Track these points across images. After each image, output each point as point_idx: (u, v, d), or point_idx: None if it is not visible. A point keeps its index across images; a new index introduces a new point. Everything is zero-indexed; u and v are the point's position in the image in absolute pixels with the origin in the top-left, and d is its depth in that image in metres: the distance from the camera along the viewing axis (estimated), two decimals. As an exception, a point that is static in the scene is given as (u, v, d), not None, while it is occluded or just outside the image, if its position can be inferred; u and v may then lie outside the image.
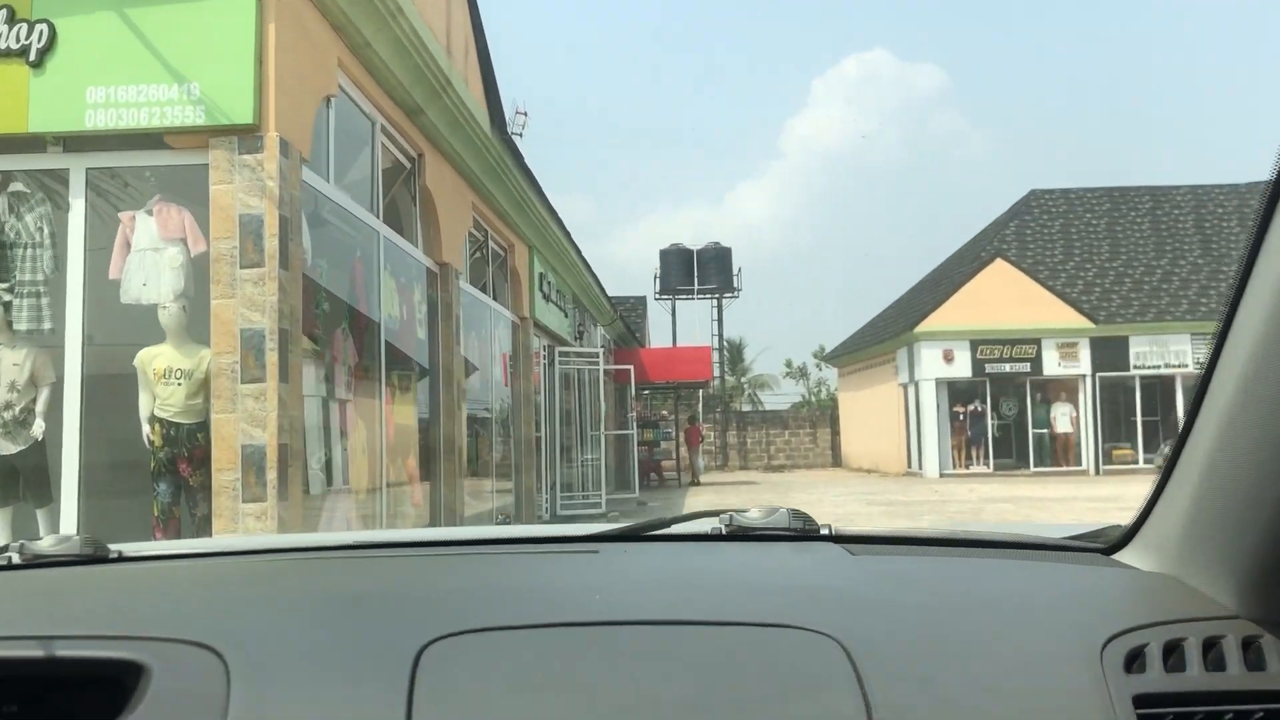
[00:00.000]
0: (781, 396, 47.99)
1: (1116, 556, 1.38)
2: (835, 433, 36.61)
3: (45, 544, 1.43)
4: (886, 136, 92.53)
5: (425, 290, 9.26)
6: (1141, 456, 26.63)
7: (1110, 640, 1.12)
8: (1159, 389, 27.27)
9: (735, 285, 37.82)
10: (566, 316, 16.84)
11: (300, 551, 1.61)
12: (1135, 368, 26.62)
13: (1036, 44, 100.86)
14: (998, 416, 27.76)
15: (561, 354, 16.71)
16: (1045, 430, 26.94)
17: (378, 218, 7.94)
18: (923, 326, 26.71)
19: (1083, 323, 26.43)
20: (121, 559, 1.47)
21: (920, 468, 26.94)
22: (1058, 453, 26.88)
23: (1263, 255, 1.04)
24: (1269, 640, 1.13)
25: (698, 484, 25.84)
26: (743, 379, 48.22)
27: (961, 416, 26.98)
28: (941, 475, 26.17)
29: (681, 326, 41.55)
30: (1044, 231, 29.48)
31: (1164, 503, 1.28)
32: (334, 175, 6.96)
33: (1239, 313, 1.09)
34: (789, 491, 21.22)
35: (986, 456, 27.00)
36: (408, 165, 8.97)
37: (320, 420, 6.75)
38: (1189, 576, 1.24)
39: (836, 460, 36.10)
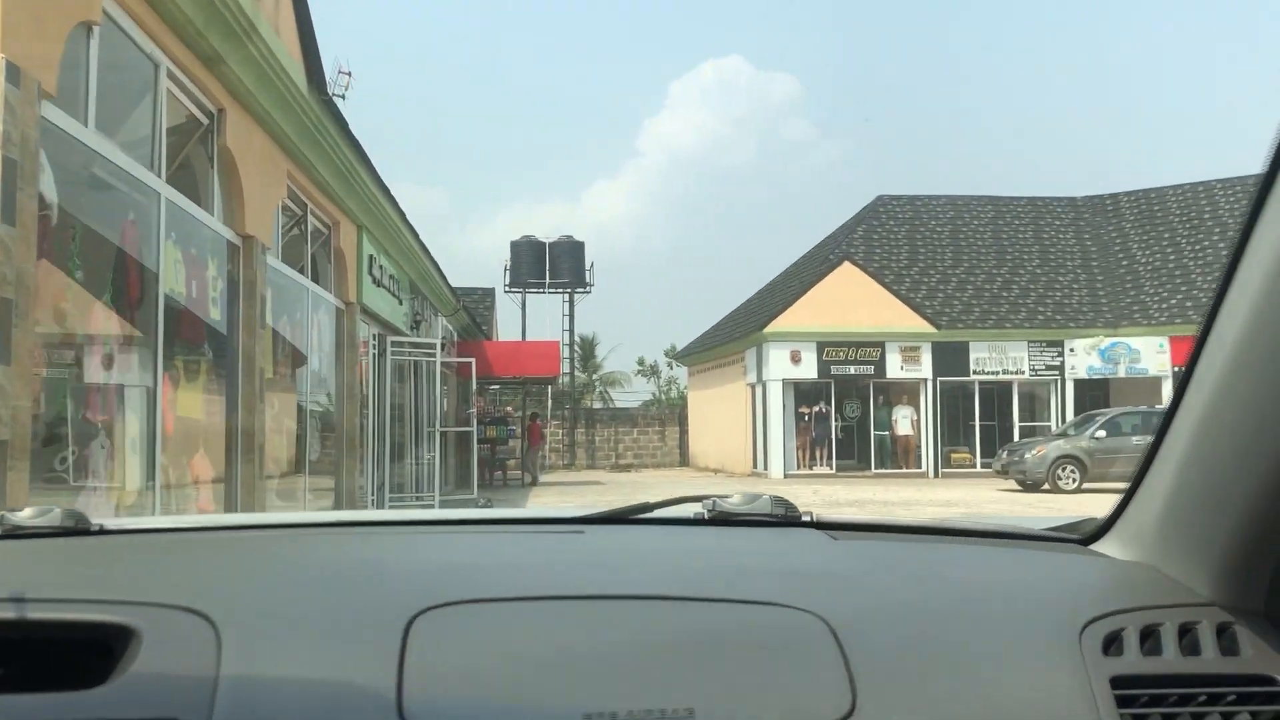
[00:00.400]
0: (633, 394, 47.80)
1: (1093, 547, 1.40)
2: (684, 432, 36.37)
3: (25, 515, 1.40)
4: (741, 141, 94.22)
5: (224, 265, 8.16)
6: (979, 460, 27.17)
7: (1089, 624, 1.15)
8: (996, 394, 27.91)
9: (588, 280, 37.17)
10: (401, 304, 15.77)
11: (285, 528, 1.60)
12: (975, 373, 27.15)
13: (886, 56, 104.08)
14: (841, 418, 27.87)
15: (394, 344, 15.63)
16: (887, 432, 27.21)
17: (159, 176, 6.84)
18: (771, 327, 26.60)
19: (925, 327, 26.79)
20: (103, 531, 1.43)
21: (765, 468, 26.83)
22: (898, 455, 27.19)
23: (1246, 258, 1.06)
24: (1241, 627, 1.17)
25: (536, 483, 25.01)
26: (594, 376, 47.53)
27: (806, 417, 27.00)
28: (786, 476, 26.09)
29: (532, 321, 40.68)
30: (890, 236, 29.84)
31: (1141, 495, 1.31)
32: (95, 120, 5.85)
33: (1221, 312, 1.11)
34: (634, 492, 20.62)
35: (830, 458, 27.10)
36: (205, 121, 7.86)
37: (68, 411, 5.67)
38: (1165, 565, 1.27)
39: (684, 460, 35.86)
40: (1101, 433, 20.28)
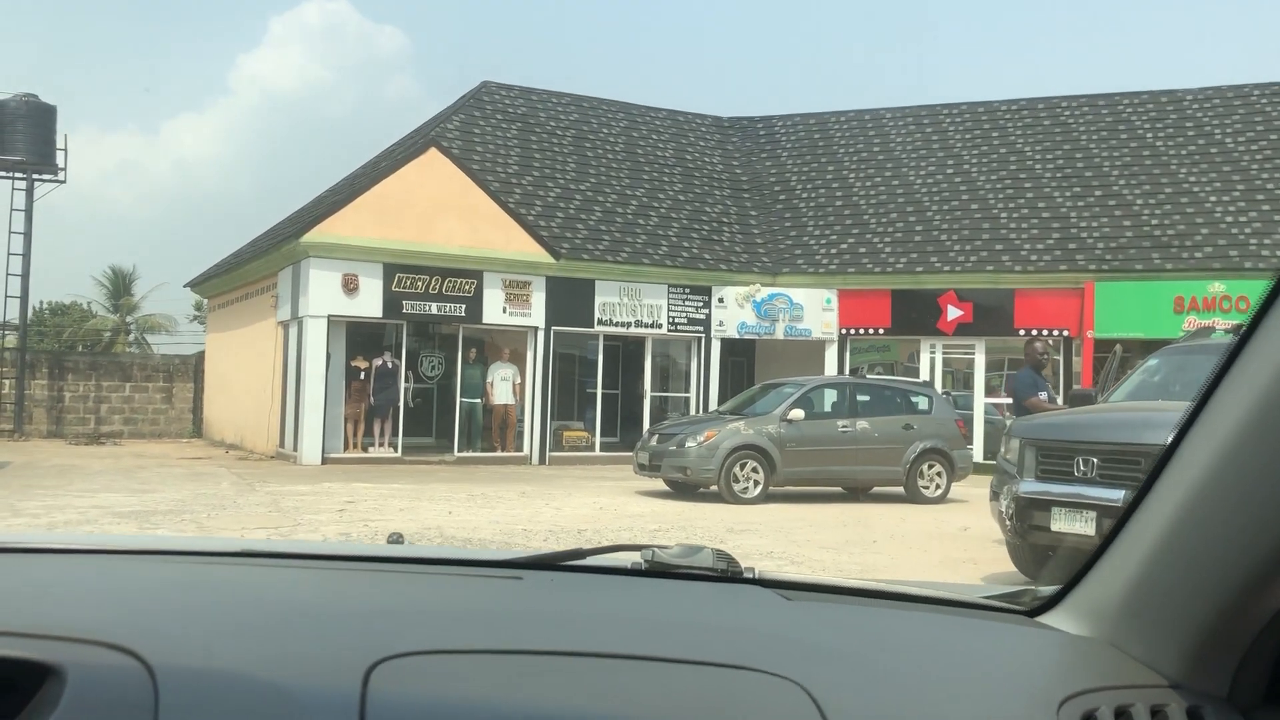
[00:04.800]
0: (184, 343, 38.08)
1: (1042, 619, 1.34)
2: (199, 390, 26.25)
3: None
4: (343, 93, 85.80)
5: None
6: (599, 441, 19.99)
7: (1065, 701, 1.11)
8: (624, 353, 20.90)
9: (60, 164, 25.67)
10: None
11: (209, 556, 1.37)
12: (600, 323, 19.86)
13: (500, 18, 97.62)
14: (416, 378, 19.52)
15: None
16: (479, 400, 19.18)
17: None
18: (313, 234, 17.53)
19: (540, 255, 19.05)
20: (7, 550, 1.23)
21: (297, 448, 17.77)
22: (494, 431, 19.29)
23: (1260, 332, 1.01)
24: (1210, 711, 1.13)
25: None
26: (129, 317, 38.86)
27: (364, 374, 18.26)
28: (325, 460, 17.29)
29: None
30: (499, 133, 21.82)
31: (1105, 568, 1.26)
32: None
33: (1224, 382, 1.06)
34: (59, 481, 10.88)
35: (395, 433, 18.58)
36: None
37: None
38: (1125, 643, 1.22)
39: (198, 429, 25.82)
40: (798, 412, 13.49)
